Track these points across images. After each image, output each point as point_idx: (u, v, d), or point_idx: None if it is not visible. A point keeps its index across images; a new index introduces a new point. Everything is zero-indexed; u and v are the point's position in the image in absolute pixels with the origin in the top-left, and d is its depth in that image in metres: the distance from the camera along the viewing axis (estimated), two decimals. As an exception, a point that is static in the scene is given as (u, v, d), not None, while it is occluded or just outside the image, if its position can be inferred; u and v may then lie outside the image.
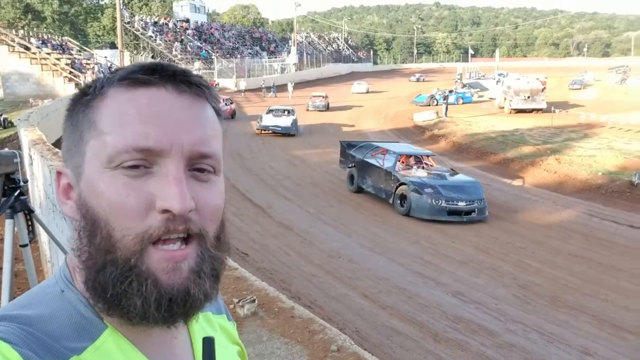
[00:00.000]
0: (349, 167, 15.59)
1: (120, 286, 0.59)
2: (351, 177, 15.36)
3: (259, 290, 4.84)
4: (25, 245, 2.60)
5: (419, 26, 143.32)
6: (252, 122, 27.42)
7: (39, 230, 3.00)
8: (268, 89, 42.72)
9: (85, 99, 0.65)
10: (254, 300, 4.48)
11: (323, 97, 35.63)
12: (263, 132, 24.91)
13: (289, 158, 20.00)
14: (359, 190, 14.91)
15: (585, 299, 8.39)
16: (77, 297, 0.63)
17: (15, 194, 2.47)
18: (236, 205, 13.14)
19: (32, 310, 0.61)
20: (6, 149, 2.90)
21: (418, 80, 60.37)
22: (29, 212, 2.56)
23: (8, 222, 2.48)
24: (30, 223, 2.57)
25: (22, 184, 2.51)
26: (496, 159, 19.97)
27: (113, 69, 0.67)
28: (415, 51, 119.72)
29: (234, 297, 4.64)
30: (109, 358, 0.61)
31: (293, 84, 43.74)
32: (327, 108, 34.53)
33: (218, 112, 0.69)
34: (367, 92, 47.16)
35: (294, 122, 25.21)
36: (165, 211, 0.59)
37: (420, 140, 24.87)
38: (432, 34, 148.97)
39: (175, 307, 0.61)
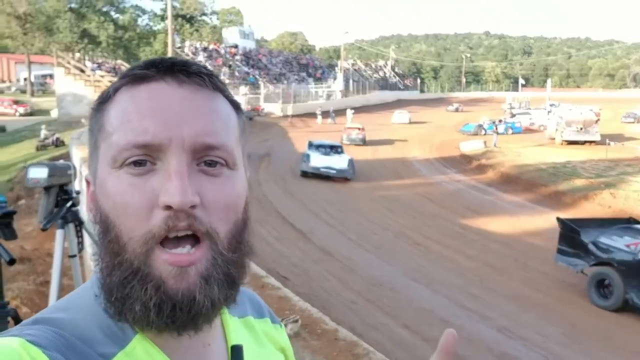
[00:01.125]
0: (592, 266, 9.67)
1: (123, 290, 0.57)
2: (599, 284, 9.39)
3: (302, 311, 4.79)
4: (74, 256, 2.64)
5: (468, 55, 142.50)
6: (294, 139, 27.53)
7: (87, 242, 3.05)
8: (325, 113, 42.57)
9: (97, 104, 0.65)
10: (297, 320, 4.43)
11: (359, 130, 31.10)
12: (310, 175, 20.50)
13: (331, 184, 19.99)
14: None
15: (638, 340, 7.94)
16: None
17: (68, 204, 2.52)
18: (277, 229, 13.16)
19: (67, 313, 0.60)
20: (61, 161, 2.99)
21: (457, 110, 58.57)
22: (79, 224, 2.61)
23: (59, 232, 2.53)
24: (80, 234, 2.62)
25: (74, 195, 2.56)
26: (546, 192, 19.37)
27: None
28: (464, 80, 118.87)
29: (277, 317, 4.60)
30: None
31: (353, 111, 43.57)
32: (364, 142, 30.11)
33: (232, 102, 0.67)
34: (410, 122, 43.58)
35: (351, 162, 21.07)
36: (167, 207, 0.56)
37: (467, 169, 24.47)
38: (481, 62, 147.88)
39: (179, 313, 0.57)
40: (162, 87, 0.60)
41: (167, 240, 0.57)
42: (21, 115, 41.14)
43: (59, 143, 25.32)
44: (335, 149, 22.01)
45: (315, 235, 12.86)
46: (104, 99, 0.63)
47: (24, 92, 54.28)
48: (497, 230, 14.39)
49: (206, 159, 0.60)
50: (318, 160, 20.56)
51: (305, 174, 20.41)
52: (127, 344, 0.60)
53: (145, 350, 0.61)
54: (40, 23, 48.87)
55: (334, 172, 20.15)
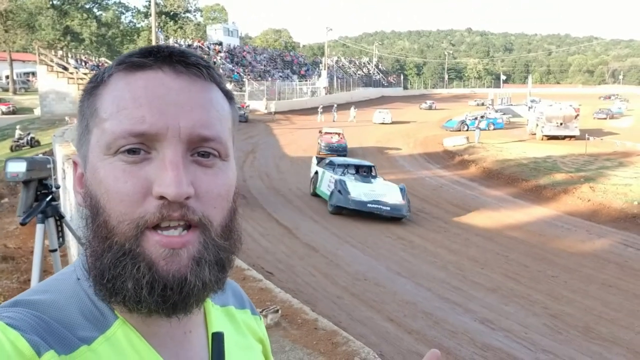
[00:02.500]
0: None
1: (115, 270, 0.58)
2: None
3: (283, 302, 4.82)
4: (54, 250, 2.63)
5: (450, 52, 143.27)
6: (279, 136, 27.44)
7: (68, 236, 3.04)
8: (326, 109, 42.42)
9: (89, 88, 0.65)
10: (277, 311, 4.47)
11: (339, 135, 25.80)
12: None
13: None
14: None
15: (620, 331, 8.08)
16: (92, 286, 0.63)
17: (47, 199, 2.51)
18: (262, 225, 13.16)
19: (47, 296, 0.61)
20: (40, 155, 2.97)
21: (430, 108, 57.77)
22: (59, 218, 2.60)
23: (39, 227, 2.52)
24: (60, 228, 2.61)
25: (54, 189, 2.56)
26: (528, 186, 19.62)
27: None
28: (447, 76, 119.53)
29: (257, 307, 4.62)
30: (119, 349, 0.60)
31: (356, 108, 43.33)
32: (346, 151, 24.88)
33: (226, 93, 0.67)
34: (392, 122, 40.87)
35: (404, 193, 14.90)
36: (161, 197, 0.57)
37: (450, 165, 24.66)
38: (463, 59, 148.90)
39: (170, 292, 0.58)
40: (160, 76, 0.60)
41: (158, 226, 0.59)
42: (3, 113, 40.50)
43: (33, 143, 24.94)
44: (368, 171, 16.69)
45: (300, 231, 12.88)
46: (97, 83, 0.63)
47: (6, 90, 53.47)
48: (480, 224, 14.54)
49: (200, 150, 0.61)
50: (359, 191, 14.64)
51: (339, 211, 14.62)
52: (107, 329, 0.61)
53: (125, 335, 0.61)
54: (22, 20, 48.13)
55: (388, 209, 14.20)
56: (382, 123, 40.53)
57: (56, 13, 49.78)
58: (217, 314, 0.75)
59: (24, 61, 58.43)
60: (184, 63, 0.61)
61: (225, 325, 0.75)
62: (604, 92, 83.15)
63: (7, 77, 55.45)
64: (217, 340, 0.67)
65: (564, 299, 9.30)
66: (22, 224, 2.43)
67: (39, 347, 0.53)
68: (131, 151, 0.59)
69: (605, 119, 43.72)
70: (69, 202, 5.58)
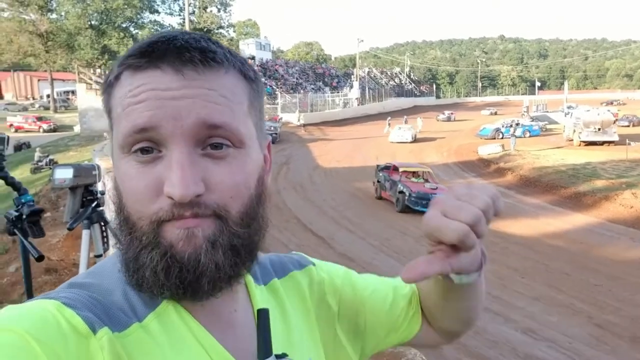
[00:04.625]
0: None
1: (136, 263, 0.61)
2: None
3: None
4: (99, 256, 2.69)
5: (483, 59, 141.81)
6: (312, 147, 27.50)
7: (112, 242, 3.11)
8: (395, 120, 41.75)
9: (104, 86, 0.66)
10: None
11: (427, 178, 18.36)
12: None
13: (349, 191, 19.98)
14: None
15: (670, 341, 7.77)
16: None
17: (93, 205, 2.58)
18: (297, 236, 13.19)
19: (99, 278, 0.64)
20: (85, 162, 3.05)
21: (449, 119, 54.13)
22: (104, 224, 2.66)
23: (85, 233, 2.58)
24: (105, 234, 2.67)
25: (99, 195, 2.62)
26: (567, 193, 19.14)
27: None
28: (480, 84, 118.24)
29: None
30: (170, 325, 0.62)
31: (422, 119, 42.40)
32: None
33: (241, 71, 0.65)
34: (413, 139, 34.14)
35: None
36: (170, 197, 0.58)
37: (486, 173, 24.29)
38: (496, 67, 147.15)
39: (186, 274, 0.60)
40: (158, 74, 0.60)
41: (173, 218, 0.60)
42: (45, 131, 41.89)
43: (52, 165, 25.41)
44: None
45: (336, 241, 12.85)
46: (110, 82, 0.64)
47: (47, 108, 55.33)
48: (518, 232, 14.23)
49: (210, 141, 0.60)
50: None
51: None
52: (157, 306, 0.63)
53: (176, 311, 0.64)
54: (62, 40, 49.76)
55: None
56: (401, 142, 33.53)
57: (94, 33, 51.31)
58: (261, 293, 0.77)
59: (64, 80, 60.43)
60: (180, 60, 0.60)
61: (269, 302, 0.76)
62: (606, 97, 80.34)
63: (48, 96, 57.41)
64: (263, 316, 0.68)
65: (609, 307, 9.01)
66: (70, 229, 2.49)
67: (93, 324, 0.55)
68: (144, 150, 0.60)
69: (628, 126, 40.55)
70: (109, 216, 5.72)
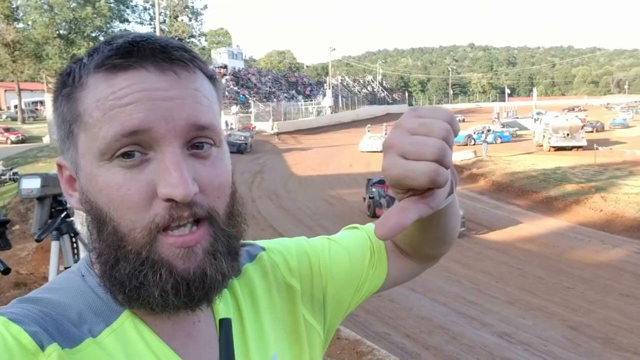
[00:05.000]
0: None
1: (137, 280, 0.57)
2: None
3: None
4: (69, 267, 2.59)
5: (454, 67, 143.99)
6: (288, 162, 27.50)
7: (82, 253, 3.02)
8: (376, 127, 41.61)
9: (65, 91, 0.60)
10: None
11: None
12: None
13: (325, 198, 19.98)
14: None
15: (641, 341, 7.93)
16: (97, 281, 0.62)
17: (62, 215, 2.49)
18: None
19: (53, 294, 0.60)
20: (54, 171, 2.95)
21: None
22: (74, 235, 2.57)
23: (54, 244, 2.49)
24: (75, 245, 2.58)
25: (68, 205, 2.53)
26: (538, 198, 19.48)
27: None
28: (451, 92, 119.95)
29: None
30: (126, 341, 0.59)
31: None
32: None
33: (210, 77, 0.64)
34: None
35: None
36: (168, 199, 0.55)
37: (459, 179, 24.52)
38: (467, 74, 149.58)
39: (194, 290, 0.58)
40: (143, 74, 0.57)
41: (168, 227, 0.57)
42: (13, 142, 40.83)
43: (16, 178, 24.72)
44: None
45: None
46: (74, 86, 0.59)
47: (15, 119, 54.02)
48: (492, 237, 14.42)
49: (195, 141, 0.59)
50: None
51: None
52: (114, 320, 0.60)
53: (133, 326, 0.61)
54: (29, 50, 48.79)
55: None
56: (372, 152, 31.46)
57: (63, 42, 50.49)
58: (221, 300, 0.70)
59: (32, 90, 59.18)
60: (168, 59, 0.58)
61: (229, 305, 0.71)
62: (569, 104, 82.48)
63: (15, 106, 56.13)
64: (225, 327, 0.66)
65: (582, 310, 9.16)
66: (38, 240, 2.40)
67: (42, 340, 0.52)
68: (127, 155, 0.56)
69: (592, 132, 40.70)
70: (80, 226, 5.59)
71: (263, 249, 0.83)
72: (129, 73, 0.57)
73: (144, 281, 0.57)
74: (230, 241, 0.61)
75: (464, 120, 58.75)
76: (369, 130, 39.73)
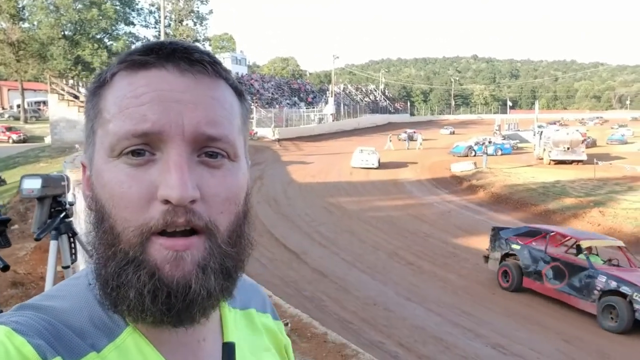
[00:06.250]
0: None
1: (119, 279, 0.56)
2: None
3: (293, 316, 4.83)
4: (67, 267, 2.64)
5: (457, 78, 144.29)
6: (288, 168, 27.56)
7: (80, 253, 3.06)
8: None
9: (93, 88, 0.62)
10: (287, 324, 4.47)
11: None
12: None
13: (325, 205, 20.00)
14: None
15: (634, 355, 7.94)
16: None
17: (61, 215, 2.53)
18: (271, 250, 13.13)
19: (58, 301, 0.59)
20: (55, 172, 3.00)
21: (411, 138, 45.06)
22: (73, 235, 2.61)
23: (52, 244, 2.53)
24: (73, 246, 2.62)
25: (67, 206, 2.57)
26: (537, 210, 19.50)
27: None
28: (453, 103, 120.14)
29: None
30: (129, 358, 0.58)
31: (422, 137, 42.60)
32: None
33: (235, 89, 0.64)
34: (379, 165, 28.81)
35: None
36: (165, 201, 0.55)
37: (458, 190, 24.59)
38: (469, 85, 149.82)
39: (174, 300, 0.56)
40: (163, 74, 0.58)
41: (164, 232, 0.56)
42: (15, 142, 40.91)
43: (1, 182, 24.75)
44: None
45: (309, 256, 12.83)
46: (101, 83, 0.61)
47: (17, 119, 54.14)
48: (489, 249, 14.41)
49: (207, 150, 0.58)
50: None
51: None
52: (117, 336, 0.59)
53: (135, 343, 0.59)
54: (34, 50, 48.99)
55: None
56: (366, 167, 28.61)
57: (67, 43, 50.69)
58: (234, 319, 0.72)
59: (35, 90, 59.33)
60: (188, 60, 0.59)
61: (242, 330, 0.73)
62: (549, 118, 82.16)
63: (18, 106, 56.23)
64: (228, 351, 0.64)
65: (577, 323, 9.17)
66: (37, 239, 2.44)
67: (45, 354, 0.51)
68: (135, 153, 0.56)
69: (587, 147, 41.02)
70: (79, 228, 5.63)
71: (282, 323, 0.85)
72: (150, 72, 0.58)
73: (124, 281, 0.56)
74: (225, 260, 0.59)
75: (453, 132, 58.47)
76: (390, 140, 40.02)
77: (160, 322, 0.58)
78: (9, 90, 65.48)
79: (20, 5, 49.17)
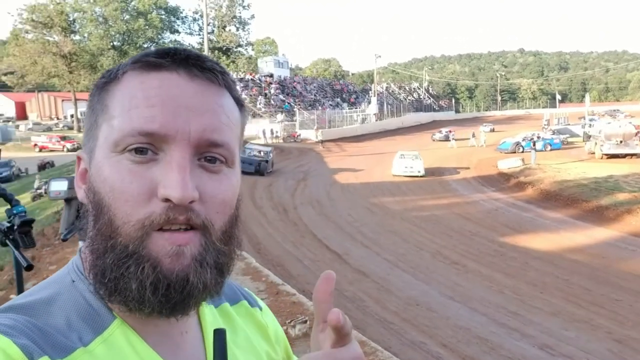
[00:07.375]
0: None
1: (118, 270, 0.58)
2: None
3: (313, 314, 4.81)
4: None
5: (503, 73, 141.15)
6: (331, 168, 27.59)
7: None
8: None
9: (101, 82, 0.65)
10: (305, 321, 4.48)
11: None
12: None
13: (367, 205, 19.90)
14: None
15: (694, 358, 7.53)
16: (87, 287, 0.62)
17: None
18: (313, 251, 13.15)
19: (41, 299, 0.61)
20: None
21: (447, 138, 44.47)
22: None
23: (80, 243, 2.60)
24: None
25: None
26: (588, 207, 18.81)
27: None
28: (499, 98, 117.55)
29: (287, 319, 4.64)
30: (117, 350, 0.60)
31: (490, 127, 42.06)
32: None
33: (238, 100, 0.67)
34: (424, 174, 25.94)
35: None
36: (166, 200, 0.57)
37: (506, 187, 24.02)
38: (516, 80, 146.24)
39: (173, 292, 0.58)
40: (174, 77, 0.60)
41: (161, 229, 0.59)
42: (69, 150, 42.73)
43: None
44: None
45: (351, 257, 12.78)
46: (110, 79, 0.63)
47: (71, 128, 56.44)
48: (538, 247, 14.00)
49: (207, 155, 0.61)
50: None
51: None
52: (104, 330, 0.60)
53: (123, 335, 0.61)
54: (85, 61, 51.00)
55: None
56: (410, 176, 25.86)
57: (116, 53, 52.51)
58: (211, 314, 0.75)
59: (87, 100, 61.78)
60: (200, 67, 0.62)
61: (219, 324, 0.74)
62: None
63: (72, 116, 58.58)
64: (220, 337, 0.65)
65: (629, 323, 8.78)
66: (64, 240, 2.52)
67: (32, 354, 0.52)
68: (139, 150, 0.58)
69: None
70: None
71: (260, 308, 0.85)
72: (162, 73, 0.61)
73: (125, 272, 0.57)
74: (219, 256, 0.62)
75: (493, 130, 55.82)
76: (473, 135, 39.22)
77: (159, 313, 0.60)
78: (63, 100, 68.30)
79: (71, 19, 51.18)
